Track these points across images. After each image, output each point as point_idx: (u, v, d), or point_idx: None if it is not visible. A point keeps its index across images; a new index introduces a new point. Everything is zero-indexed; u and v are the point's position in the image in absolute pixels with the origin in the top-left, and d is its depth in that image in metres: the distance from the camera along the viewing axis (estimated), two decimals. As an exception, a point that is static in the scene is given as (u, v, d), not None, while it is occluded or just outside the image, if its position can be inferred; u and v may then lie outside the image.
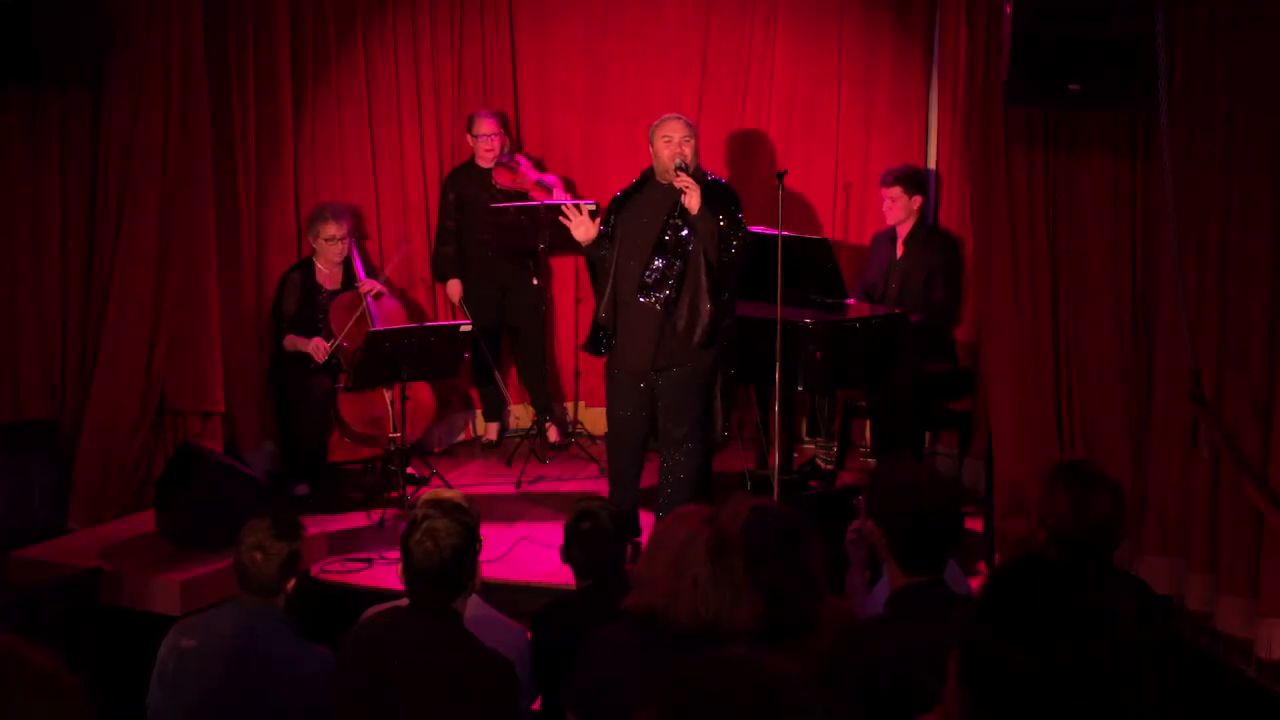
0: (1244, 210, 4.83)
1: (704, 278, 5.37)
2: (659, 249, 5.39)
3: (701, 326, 5.39)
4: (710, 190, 5.41)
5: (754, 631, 3.13)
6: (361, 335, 6.25)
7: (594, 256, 5.66)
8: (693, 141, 5.48)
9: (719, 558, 2.93)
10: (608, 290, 5.52)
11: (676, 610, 2.90)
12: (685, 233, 5.38)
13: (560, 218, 5.65)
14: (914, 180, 6.64)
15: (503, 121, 7.25)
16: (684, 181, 5.29)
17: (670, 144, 5.43)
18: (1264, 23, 4.73)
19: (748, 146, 7.49)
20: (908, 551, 3.03)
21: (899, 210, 6.63)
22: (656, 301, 5.38)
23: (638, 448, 5.69)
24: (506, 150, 7.18)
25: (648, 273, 5.40)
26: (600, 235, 5.54)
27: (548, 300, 7.34)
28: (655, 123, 5.56)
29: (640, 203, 5.54)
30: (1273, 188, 4.76)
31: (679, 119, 5.55)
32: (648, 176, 5.60)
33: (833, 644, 3.09)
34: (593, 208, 6.03)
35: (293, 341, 6.53)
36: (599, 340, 5.61)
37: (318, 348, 6.47)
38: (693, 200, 5.28)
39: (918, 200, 6.64)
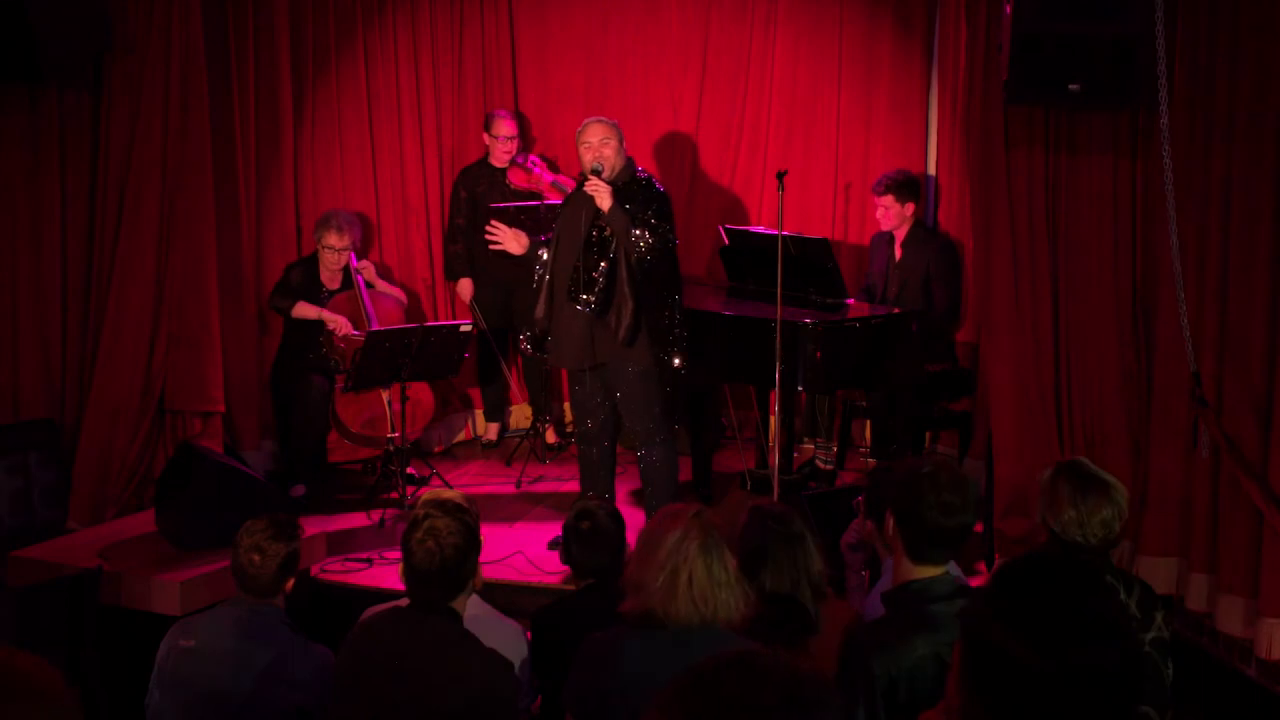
0: (1244, 210, 4.83)
1: (625, 276, 5.40)
2: (585, 249, 5.44)
3: (625, 325, 5.41)
4: (630, 190, 5.45)
5: (753, 629, 3.14)
6: (360, 330, 6.27)
7: (532, 262, 5.70)
8: (614, 141, 5.51)
9: (711, 552, 2.93)
10: (544, 290, 5.56)
11: (674, 609, 2.90)
12: (608, 233, 5.42)
13: (487, 235, 5.77)
14: (906, 187, 6.62)
15: (520, 122, 7.26)
16: (592, 185, 5.37)
17: (590, 149, 5.50)
18: (1264, 22, 4.73)
19: (748, 146, 7.49)
20: (918, 539, 2.97)
21: (892, 218, 6.64)
22: (585, 303, 5.41)
23: (602, 443, 5.73)
24: (520, 150, 7.19)
25: (575, 274, 5.45)
26: (533, 243, 5.66)
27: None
28: (579, 128, 5.60)
29: (574, 205, 5.59)
30: (1273, 187, 4.76)
31: (599, 122, 5.59)
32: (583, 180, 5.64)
33: (836, 642, 3.09)
34: None
35: (302, 309, 6.51)
36: (541, 339, 5.66)
37: (339, 321, 6.47)
38: (602, 201, 5.35)
39: (910, 207, 6.64)
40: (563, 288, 5.50)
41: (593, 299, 5.38)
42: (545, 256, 5.61)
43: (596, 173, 5.42)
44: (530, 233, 6.86)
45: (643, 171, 5.64)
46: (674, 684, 1.55)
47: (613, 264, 5.40)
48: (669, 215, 5.53)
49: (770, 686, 1.52)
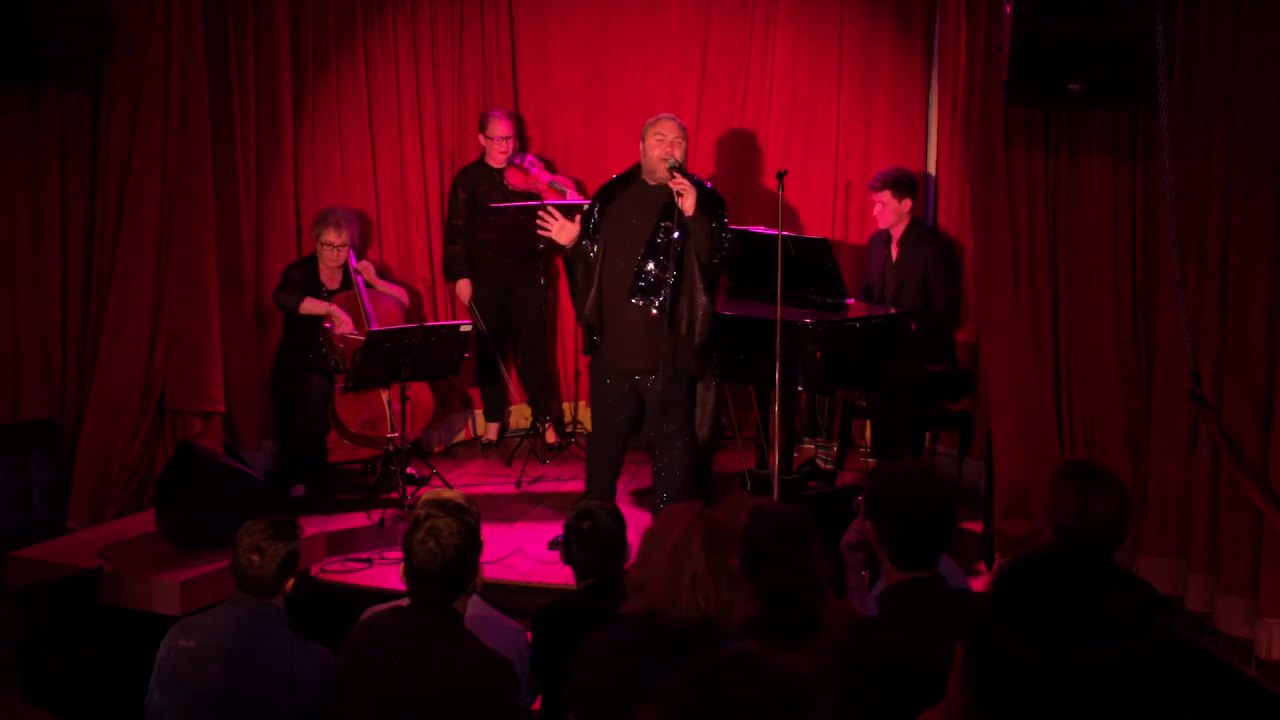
0: (1244, 210, 4.83)
1: (698, 278, 5.36)
2: (651, 251, 5.37)
3: (702, 327, 5.38)
4: (703, 193, 5.38)
5: (753, 629, 3.14)
6: (360, 329, 6.27)
7: (574, 255, 5.57)
8: (683, 144, 5.44)
9: (714, 551, 2.93)
10: (594, 289, 5.47)
11: (677, 607, 2.90)
12: (676, 235, 5.35)
13: (538, 228, 5.62)
14: (902, 184, 6.62)
15: (517, 123, 7.26)
16: (680, 183, 5.25)
17: (662, 143, 5.38)
18: (1264, 22, 4.73)
19: (748, 146, 7.49)
20: (898, 546, 3.03)
21: (889, 214, 6.64)
22: (653, 305, 5.35)
23: (620, 444, 5.70)
24: (517, 150, 7.19)
25: (641, 275, 5.38)
26: (582, 233, 5.52)
27: (549, 301, 7.34)
28: (650, 120, 5.52)
29: (627, 201, 5.49)
30: (1273, 187, 4.76)
31: (674, 120, 5.52)
32: (634, 174, 5.55)
33: (837, 641, 3.09)
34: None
35: (310, 304, 6.51)
36: (593, 341, 5.58)
37: (341, 319, 6.47)
38: (688, 202, 5.24)
39: (908, 203, 6.63)
40: (615, 287, 5.42)
41: (660, 300, 5.33)
42: (592, 254, 5.48)
43: (679, 170, 5.30)
44: (532, 233, 6.85)
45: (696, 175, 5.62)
46: (671, 682, 1.55)
47: (685, 266, 5.33)
48: (728, 217, 5.52)
49: (767, 686, 1.52)
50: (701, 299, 5.37)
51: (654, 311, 5.36)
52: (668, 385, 5.47)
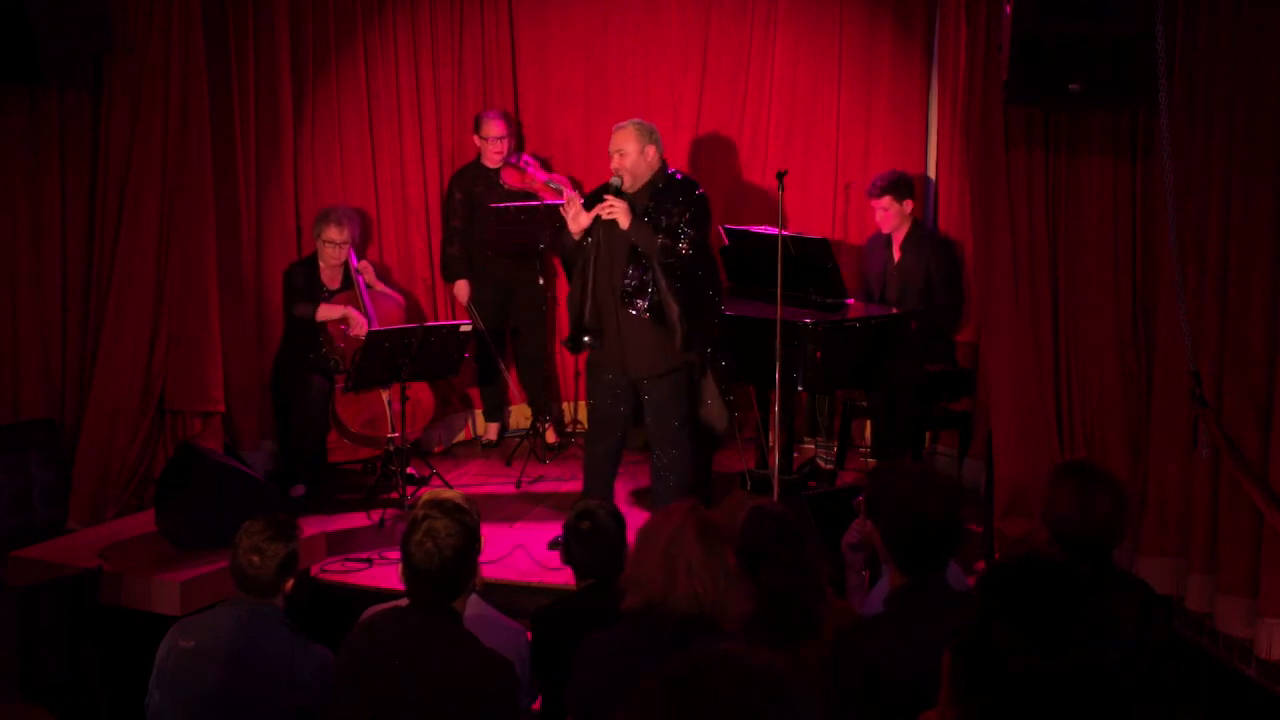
0: (1244, 210, 4.83)
1: (665, 284, 5.38)
2: (632, 258, 5.41)
3: (679, 332, 5.40)
4: (662, 194, 5.41)
5: (753, 628, 3.13)
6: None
7: (575, 251, 5.59)
8: (631, 147, 5.44)
9: (708, 541, 2.94)
10: (588, 291, 5.51)
11: (675, 599, 2.90)
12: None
13: (562, 209, 5.63)
14: (900, 186, 6.62)
15: (510, 122, 7.26)
16: (606, 209, 5.34)
17: (612, 157, 5.48)
18: (1264, 22, 4.73)
19: (748, 146, 7.49)
20: (904, 553, 3.03)
21: (892, 218, 6.63)
22: (639, 310, 5.40)
23: (617, 439, 5.72)
24: (512, 150, 7.19)
25: (626, 281, 5.42)
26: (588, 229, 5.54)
27: (549, 301, 7.34)
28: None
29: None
30: (1273, 187, 4.75)
31: (618, 129, 5.53)
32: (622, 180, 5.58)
33: (834, 642, 3.09)
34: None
35: (326, 310, 6.52)
36: (580, 341, 5.61)
37: (358, 321, 6.48)
38: (621, 220, 5.32)
39: (909, 204, 6.63)
40: (607, 294, 5.46)
41: (646, 305, 5.37)
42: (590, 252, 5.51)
43: (613, 189, 5.38)
44: (531, 233, 6.87)
45: (678, 172, 5.60)
46: (639, 685, 1.53)
47: (655, 273, 5.37)
48: (704, 216, 5.48)
49: (753, 686, 1.51)
50: (672, 304, 5.37)
51: (634, 313, 5.40)
52: (665, 387, 5.51)
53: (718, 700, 1.48)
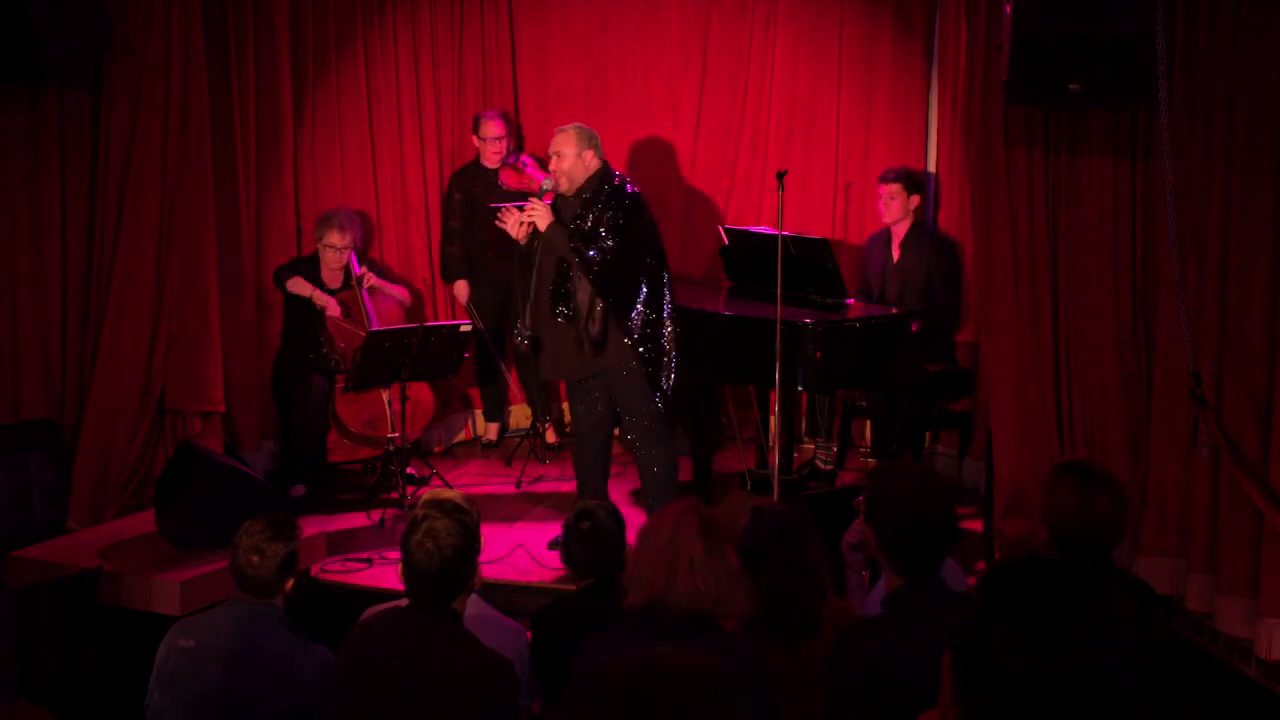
0: (1244, 210, 4.83)
1: (582, 285, 5.42)
2: (559, 263, 5.46)
3: (592, 331, 5.43)
4: (592, 200, 5.44)
5: (753, 628, 3.13)
6: (359, 328, 6.27)
7: (524, 255, 5.64)
8: (568, 151, 5.49)
9: (710, 538, 2.94)
10: (532, 295, 5.57)
11: (676, 595, 2.89)
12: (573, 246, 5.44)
13: (497, 220, 5.69)
14: (915, 180, 6.66)
15: (509, 122, 7.26)
16: (529, 209, 5.45)
17: (550, 160, 5.57)
18: (1264, 22, 4.73)
19: (748, 146, 7.49)
20: (903, 553, 3.04)
21: (897, 209, 6.63)
22: (562, 314, 5.46)
23: (600, 441, 5.76)
24: (511, 150, 7.19)
25: (554, 286, 5.48)
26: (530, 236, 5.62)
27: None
28: None
29: (556, 212, 5.57)
30: (1273, 187, 4.75)
31: (564, 130, 5.59)
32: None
33: (834, 642, 3.09)
34: None
35: (298, 284, 6.52)
36: (535, 341, 5.65)
37: (327, 302, 6.50)
38: (539, 223, 5.43)
39: (916, 200, 6.65)
40: (545, 299, 5.51)
41: (568, 309, 5.44)
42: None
43: (546, 190, 5.50)
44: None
45: (618, 177, 5.59)
46: (587, 680, 1.53)
47: (576, 279, 5.43)
48: (627, 225, 5.42)
49: (656, 686, 1.52)
50: (590, 305, 5.40)
51: (561, 320, 5.47)
52: (620, 387, 5.56)
53: (636, 701, 1.49)
